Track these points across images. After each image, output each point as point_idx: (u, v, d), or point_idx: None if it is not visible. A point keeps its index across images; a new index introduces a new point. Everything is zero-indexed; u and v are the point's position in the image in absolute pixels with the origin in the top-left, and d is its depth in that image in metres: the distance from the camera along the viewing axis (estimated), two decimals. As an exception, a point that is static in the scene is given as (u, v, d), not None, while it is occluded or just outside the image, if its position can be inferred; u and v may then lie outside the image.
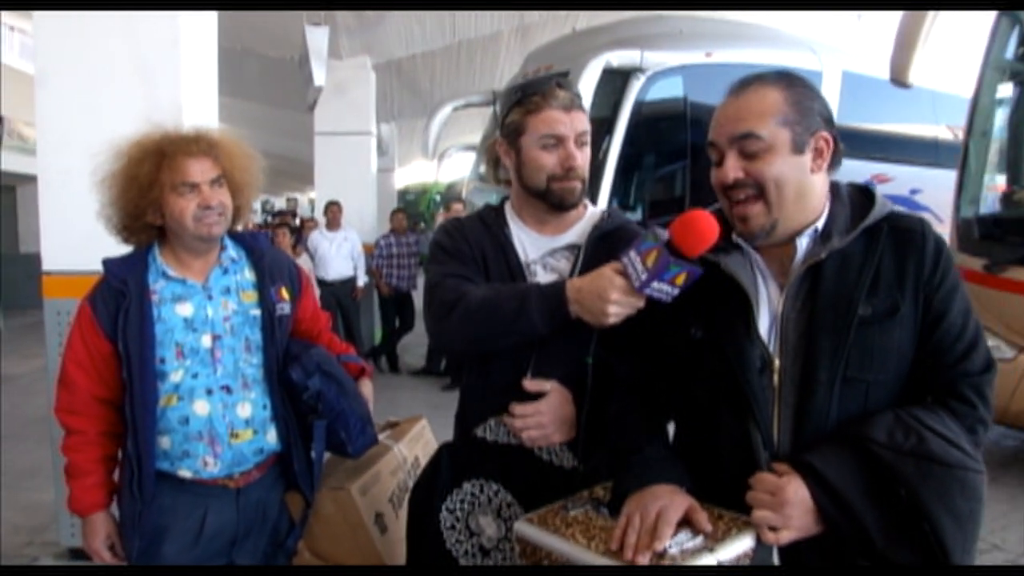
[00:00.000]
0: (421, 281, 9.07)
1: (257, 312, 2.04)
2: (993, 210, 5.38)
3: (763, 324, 1.40)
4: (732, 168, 1.37)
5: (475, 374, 1.85)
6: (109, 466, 2.02)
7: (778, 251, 1.43)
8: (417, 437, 2.47)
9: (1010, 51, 5.24)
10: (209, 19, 3.89)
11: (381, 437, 2.28)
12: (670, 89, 7.23)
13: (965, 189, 5.31)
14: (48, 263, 3.68)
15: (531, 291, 1.66)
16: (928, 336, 1.37)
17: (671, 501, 1.33)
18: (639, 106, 7.06)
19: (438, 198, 22.00)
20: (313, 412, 2.06)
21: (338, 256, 8.42)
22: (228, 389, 1.98)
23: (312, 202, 10.03)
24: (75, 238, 3.58)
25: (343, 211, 8.66)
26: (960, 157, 5.40)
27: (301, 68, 7.32)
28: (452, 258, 1.82)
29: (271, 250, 2.17)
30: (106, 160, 1.98)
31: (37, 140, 3.68)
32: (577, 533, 1.37)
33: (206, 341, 1.98)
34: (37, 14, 3.63)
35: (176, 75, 3.60)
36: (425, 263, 1.92)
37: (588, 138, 1.75)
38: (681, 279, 1.42)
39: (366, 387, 2.25)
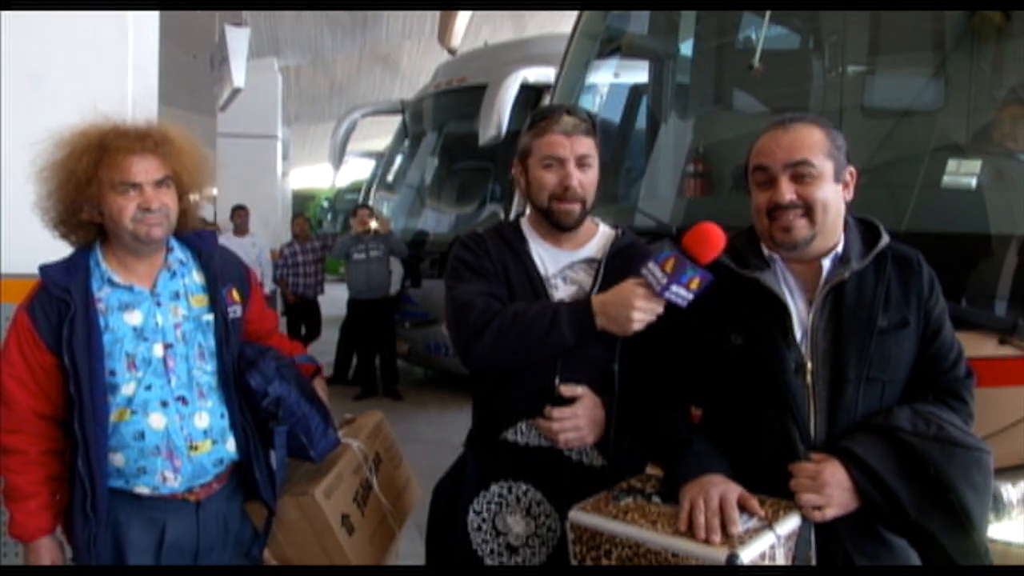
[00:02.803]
0: (328, 287, 8.95)
1: (209, 317, 1.95)
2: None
3: (796, 333, 1.61)
4: (787, 190, 1.58)
5: (500, 382, 1.91)
6: (53, 487, 1.89)
7: (804, 270, 1.64)
8: (375, 432, 2.38)
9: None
10: (153, 17, 3.78)
11: (340, 435, 2.20)
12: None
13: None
14: (8, 266, 3.46)
15: (560, 307, 1.78)
16: (928, 346, 1.64)
17: (728, 487, 1.51)
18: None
19: (326, 203, 21.65)
20: (273, 418, 2.00)
21: (246, 263, 8.18)
22: (184, 400, 1.89)
23: (213, 201, 9.69)
24: (10, 239, 3.43)
25: (250, 216, 8.46)
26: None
27: (214, 68, 7.13)
28: (476, 275, 1.90)
29: (218, 250, 2.06)
30: (46, 149, 1.85)
31: None
32: (638, 518, 1.52)
33: (158, 350, 1.88)
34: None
35: (124, 73, 3.49)
36: (445, 278, 1.97)
37: (592, 161, 1.87)
38: (695, 283, 1.59)
39: (320, 387, 2.20)
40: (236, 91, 6.59)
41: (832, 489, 1.49)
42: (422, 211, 8.95)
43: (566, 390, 1.80)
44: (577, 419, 1.79)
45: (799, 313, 1.63)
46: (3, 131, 3.36)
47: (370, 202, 9.44)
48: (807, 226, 1.58)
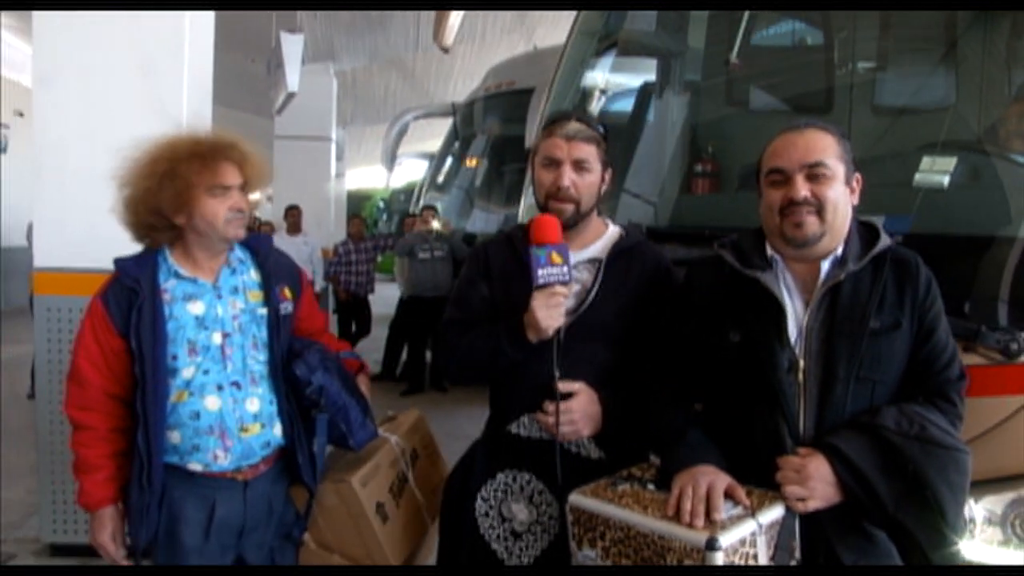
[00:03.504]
0: (378, 286, 9.14)
1: (264, 311, 2.13)
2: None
3: (791, 332, 1.67)
4: (803, 188, 1.66)
5: (505, 379, 2.03)
6: (119, 462, 2.05)
7: (804, 270, 1.71)
8: (414, 429, 2.54)
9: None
10: (207, 19, 3.95)
11: (380, 430, 2.35)
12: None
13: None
14: (40, 260, 3.70)
15: (500, 331, 1.94)
16: (920, 348, 1.68)
17: (717, 477, 1.59)
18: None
19: (382, 204, 21.97)
20: (316, 407, 2.15)
21: (298, 261, 8.40)
22: (238, 385, 2.06)
23: (270, 200, 9.98)
24: (68, 236, 3.65)
25: (303, 215, 8.70)
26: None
27: (270, 73, 7.37)
28: (458, 304, 2.09)
29: (273, 251, 2.25)
30: (133, 159, 2.02)
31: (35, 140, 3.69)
32: (631, 503, 1.62)
33: (216, 338, 2.05)
34: (36, 14, 3.66)
35: (180, 76, 3.68)
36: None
37: (591, 166, 1.96)
38: (556, 257, 1.82)
39: (363, 383, 2.34)
40: (291, 95, 6.82)
41: (815, 482, 1.57)
42: (471, 212, 9.10)
43: (563, 386, 1.90)
44: (572, 413, 1.89)
45: (796, 313, 1.69)
46: (61, 139, 3.60)
47: (421, 202, 9.62)
48: (817, 223, 1.65)
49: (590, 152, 1.96)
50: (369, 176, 24.90)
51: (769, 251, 1.74)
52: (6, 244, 11.67)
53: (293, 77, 6.41)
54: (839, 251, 1.70)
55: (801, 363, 1.65)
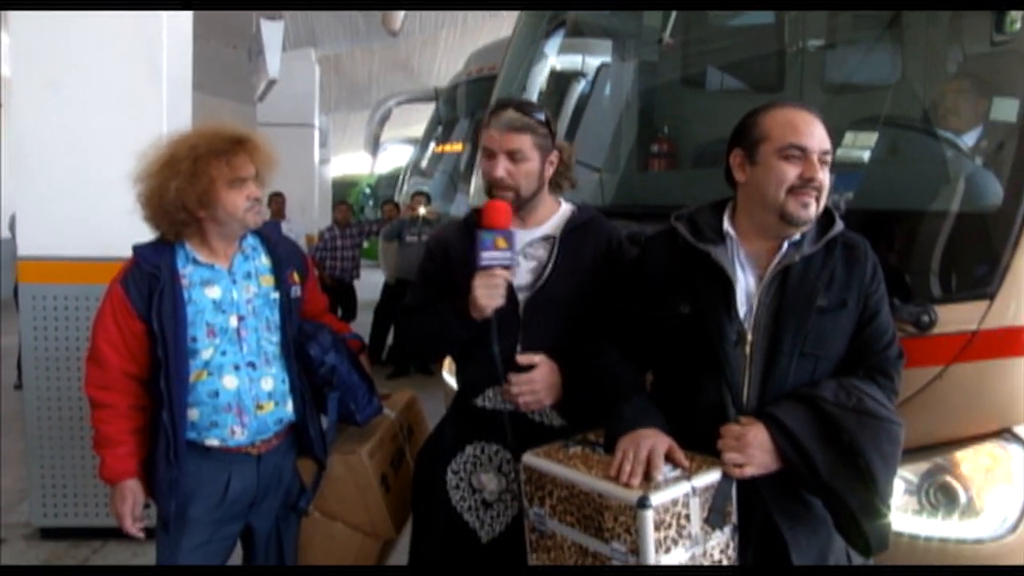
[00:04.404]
0: (363, 272, 9.19)
1: (276, 295, 2.24)
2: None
3: (741, 306, 1.75)
4: (820, 170, 1.70)
5: (471, 355, 2.12)
6: (138, 438, 2.16)
7: (762, 247, 1.78)
8: (409, 407, 2.67)
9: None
10: (186, 15, 3.99)
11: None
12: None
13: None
14: (24, 248, 3.75)
15: (447, 311, 2.05)
16: (864, 328, 1.77)
17: (658, 440, 1.68)
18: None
19: (368, 190, 21.93)
20: (328, 385, 2.29)
21: (281, 246, 8.45)
22: (253, 365, 2.17)
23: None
24: (51, 225, 3.70)
25: (286, 202, 8.72)
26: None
27: (251, 60, 7.39)
28: (414, 287, 2.25)
29: (282, 238, 2.37)
30: (153, 157, 2.11)
31: (10, 131, 3.74)
32: (579, 463, 1.72)
33: (233, 321, 2.16)
34: (12, 13, 3.70)
35: (159, 65, 3.72)
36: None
37: (525, 155, 2.02)
38: (501, 242, 1.93)
39: (364, 362, 2.46)
40: (272, 82, 6.84)
41: (754, 450, 1.64)
42: (455, 196, 9.13)
43: (523, 359, 2.00)
44: (533, 383, 1.99)
45: (747, 288, 1.76)
46: (37, 129, 3.64)
47: (405, 188, 9.65)
48: (816, 208, 1.71)
49: (523, 142, 2.02)
50: (354, 163, 24.83)
51: (726, 225, 1.80)
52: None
53: (274, 63, 6.44)
54: (797, 235, 1.76)
55: (749, 336, 1.73)
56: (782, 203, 1.71)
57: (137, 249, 2.16)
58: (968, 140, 2.38)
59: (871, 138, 2.53)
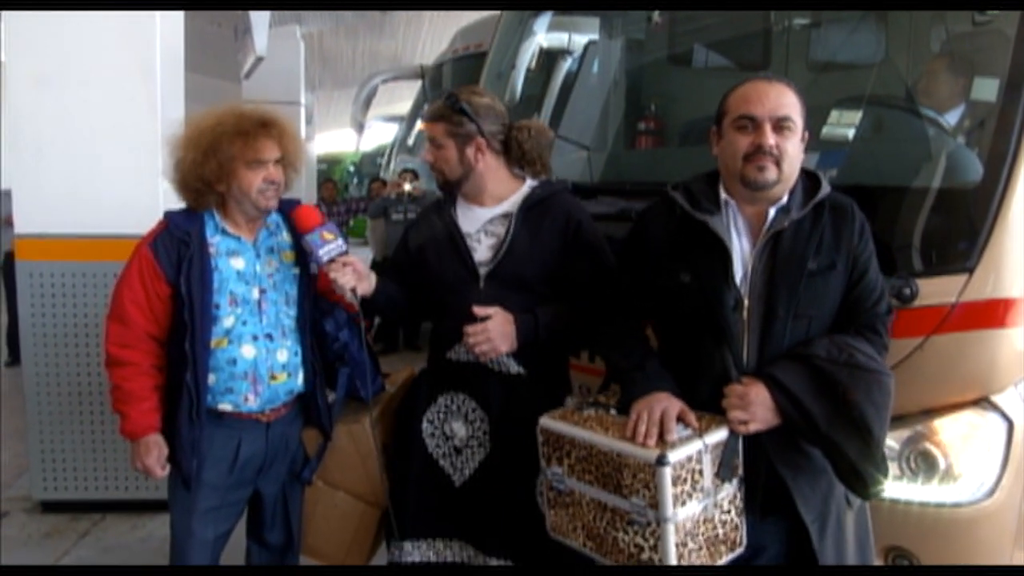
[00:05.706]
0: (351, 250, 9.26)
1: (296, 271, 2.35)
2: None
3: (737, 273, 1.84)
4: (772, 137, 1.78)
5: (440, 314, 2.32)
6: (159, 395, 2.24)
7: (753, 214, 1.87)
8: (407, 383, 2.74)
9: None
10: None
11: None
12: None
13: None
14: (20, 227, 3.78)
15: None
16: (854, 286, 1.86)
17: (670, 403, 1.79)
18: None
19: (352, 168, 21.82)
20: (340, 360, 2.41)
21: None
22: (270, 337, 2.27)
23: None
24: (47, 203, 3.73)
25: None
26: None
27: (237, 38, 7.35)
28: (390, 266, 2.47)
29: None
30: (185, 131, 2.23)
31: (8, 111, 3.75)
32: (595, 425, 1.83)
33: (255, 293, 2.26)
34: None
35: (152, 43, 3.75)
36: None
37: (441, 142, 2.22)
38: (328, 235, 2.14)
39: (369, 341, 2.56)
40: (259, 60, 6.79)
41: (756, 407, 1.76)
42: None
43: (479, 310, 2.14)
44: (487, 332, 2.12)
45: (743, 255, 1.85)
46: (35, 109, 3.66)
47: (392, 165, 9.63)
48: (776, 172, 1.79)
49: (436, 130, 2.22)
50: (339, 140, 24.68)
51: (723, 195, 1.88)
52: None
53: (261, 41, 6.40)
54: (784, 199, 1.85)
55: (746, 302, 1.82)
56: (740, 170, 1.81)
57: (169, 215, 2.27)
58: (950, 119, 2.45)
59: (855, 116, 2.59)
